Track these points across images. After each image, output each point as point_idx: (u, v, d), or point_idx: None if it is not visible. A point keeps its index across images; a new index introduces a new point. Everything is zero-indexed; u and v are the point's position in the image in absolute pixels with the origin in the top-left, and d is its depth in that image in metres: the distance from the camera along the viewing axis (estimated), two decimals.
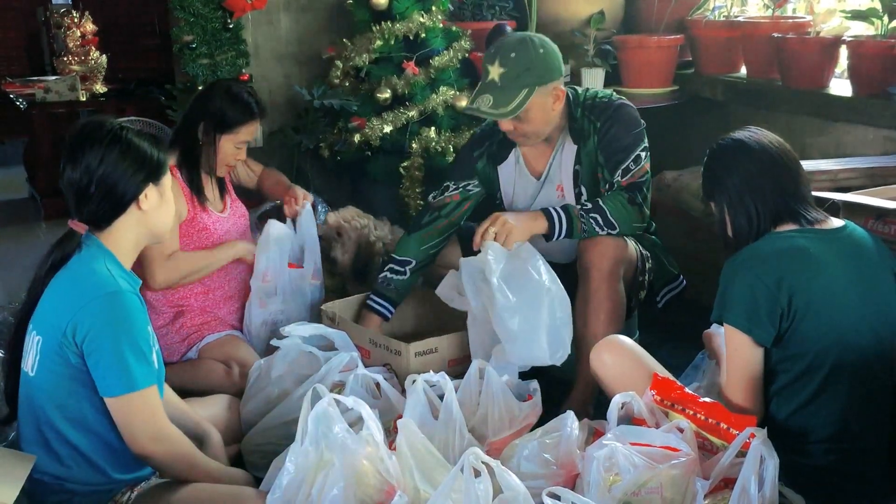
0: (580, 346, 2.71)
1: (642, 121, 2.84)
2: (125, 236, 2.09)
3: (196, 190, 2.96)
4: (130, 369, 1.96)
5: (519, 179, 2.97)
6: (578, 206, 2.72)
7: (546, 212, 2.71)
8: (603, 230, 2.69)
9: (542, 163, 2.91)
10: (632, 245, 2.82)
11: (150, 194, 2.10)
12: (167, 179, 2.16)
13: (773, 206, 2.10)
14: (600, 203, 2.71)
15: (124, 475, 2.09)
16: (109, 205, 2.06)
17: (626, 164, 2.75)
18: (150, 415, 2.01)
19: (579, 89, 2.89)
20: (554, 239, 2.71)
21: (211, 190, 3.05)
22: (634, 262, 2.83)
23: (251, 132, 3.02)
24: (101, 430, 2.03)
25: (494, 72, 2.67)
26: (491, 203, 3.05)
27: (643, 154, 2.78)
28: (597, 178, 2.81)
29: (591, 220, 2.68)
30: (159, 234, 2.19)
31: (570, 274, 2.78)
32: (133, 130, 2.12)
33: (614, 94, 2.91)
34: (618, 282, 2.71)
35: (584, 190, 2.84)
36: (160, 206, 2.14)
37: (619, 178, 2.75)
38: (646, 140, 2.81)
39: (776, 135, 2.20)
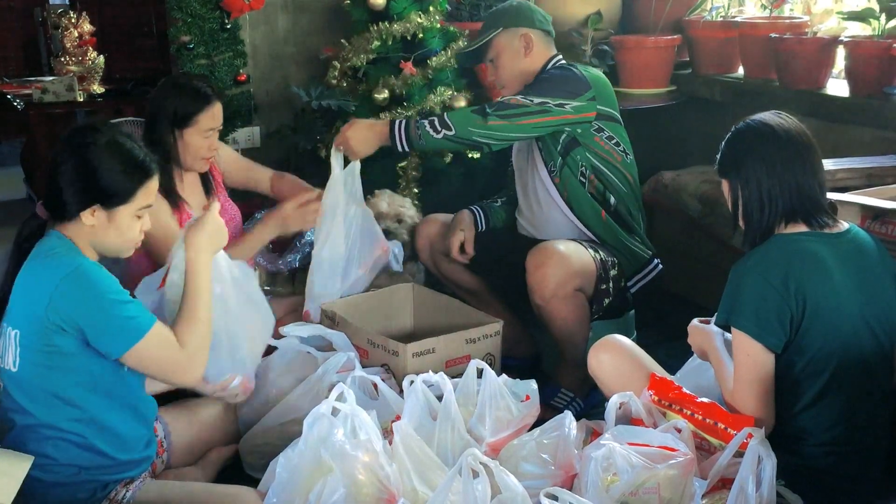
0: (557, 340, 2.87)
1: (577, 85, 2.94)
2: (77, 236, 2.08)
3: (165, 192, 2.76)
4: (129, 320, 2.00)
5: (518, 145, 3.14)
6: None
7: (391, 122, 2.98)
8: (439, 132, 2.89)
9: None
10: (586, 257, 2.84)
11: (97, 213, 2.05)
12: (126, 209, 2.08)
13: (787, 200, 2.05)
14: (443, 112, 3.02)
15: (126, 455, 2.11)
16: (58, 207, 2.07)
17: (518, 94, 2.94)
18: (170, 345, 2.04)
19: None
20: (399, 148, 2.95)
21: (191, 189, 2.94)
22: (592, 272, 2.84)
23: (212, 118, 2.86)
24: (93, 410, 2.05)
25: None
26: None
27: (535, 99, 2.89)
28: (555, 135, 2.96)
29: (426, 124, 2.90)
30: (107, 252, 2.15)
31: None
32: (117, 147, 2.08)
33: (573, 64, 3.08)
34: (565, 299, 2.77)
35: (542, 145, 3.00)
36: (107, 228, 2.08)
37: (501, 98, 2.98)
38: (561, 98, 2.89)
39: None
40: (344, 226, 2.98)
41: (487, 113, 2.87)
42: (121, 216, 2.08)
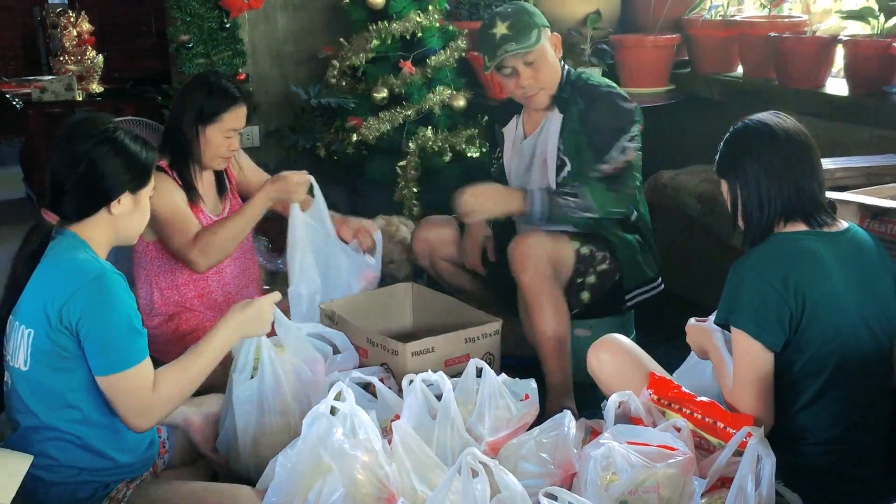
0: (537, 344, 2.81)
1: (633, 110, 2.90)
2: (95, 233, 2.08)
3: (186, 186, 2.89)
4: (126, 347, 1.99)
5: (514, 149, 3.08)
6: (558, 190, 2.84)
7: (527, 190, 2.84)
8: (578, 214, 2.82)
9: (533, 128, 3.03)
10: (566, 245, 2.84)
11: (124, 201, 2.08)
12: (147, 190, 2.14)
13: (787, 199, 2.04)
14: (581, 187, 2.82)
15: (127, 457, 2.11)
16: (81, 204, 2.06)
17: (609, 153, 2.83)
18: (145, 387, 2.02)
19: (574, 69, 3.03)
20: (532, 219, 2.83)
21: (207, 189, 2.99)
22: (569, 262, 2.84)
23: (237, 119, 2.88)
24: (93, 413, 2.03)
25: (501, 28, 2.84)
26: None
27: (629, 143, 2.85)
28: (579, 152, 2.89)
29: (563, 204, 2.80)
30: (128, 238, 2.18)
31: None
32: (127, 134, 2.10)
33: (607, 81, 3.01)
34: (546, 279, 2.75)
35: (567, 161, 2.91)
36: (133, 213, 2.12)
37: (601, 165, 2.84)
38: (634, 129, 2.87)
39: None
40: (317, 260, 2.99)
41: (615, 189, 2.83)
42: (143, 197, 2.14)
